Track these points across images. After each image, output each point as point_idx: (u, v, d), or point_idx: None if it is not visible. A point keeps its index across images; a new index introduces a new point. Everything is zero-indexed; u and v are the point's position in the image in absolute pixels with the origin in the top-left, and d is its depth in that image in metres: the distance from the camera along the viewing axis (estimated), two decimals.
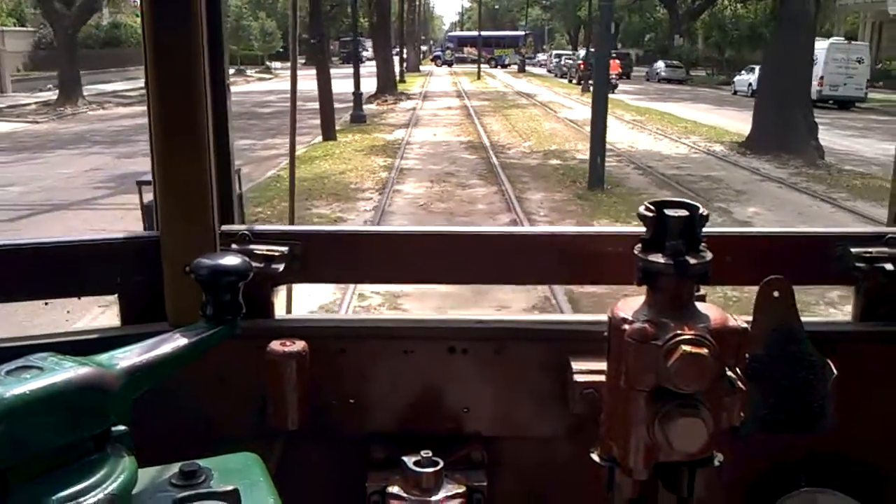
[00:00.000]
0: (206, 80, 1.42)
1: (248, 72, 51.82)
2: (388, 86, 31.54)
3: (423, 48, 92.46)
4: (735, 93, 37.76)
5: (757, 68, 37.04)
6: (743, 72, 39.16)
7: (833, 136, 19.15)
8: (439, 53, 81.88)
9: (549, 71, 60.11)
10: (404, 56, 48.41)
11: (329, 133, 18.02)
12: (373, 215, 10.57)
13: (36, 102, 28.67)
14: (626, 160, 15.73)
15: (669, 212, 1.18)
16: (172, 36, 1.41)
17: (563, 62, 55.39)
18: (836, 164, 15.45)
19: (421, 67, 65.41)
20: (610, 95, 33.64)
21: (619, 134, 19.73)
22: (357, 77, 21.67)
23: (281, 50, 58.17)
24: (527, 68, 64.25)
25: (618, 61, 38.11)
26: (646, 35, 66.14)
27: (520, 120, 23.35)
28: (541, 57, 76.95)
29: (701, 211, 1.19)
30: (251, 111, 24.93)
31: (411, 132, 20.20)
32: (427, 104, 29.79)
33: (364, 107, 22.77)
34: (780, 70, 16.59)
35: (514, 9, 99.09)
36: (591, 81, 36.71)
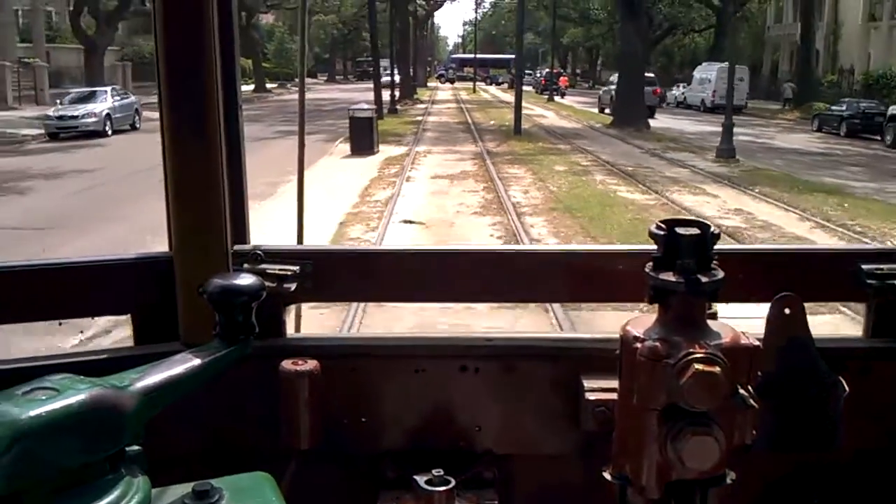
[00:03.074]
0: (218, 99, 1.48)
1: (288, 85, 66.92)
2: (407, 94, 46.72)
3: (429, 68, 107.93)
4: (668, 104, 52.55)
5: (682, 85, 52.78)
6: (673, 88, 54.38)
7: (686, 124, 33.85)
8: (443, 72, 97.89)
9: (533, 87, 75.56)
10: (409, 75, 63.55)
11: (379, 115, 32.90)
12: (413, 139, 25.32)
13: None
14: (542, 129, 30.76)
15: (681, 230, 1.20)
16: (185, 58, 1.47)
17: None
18: (655, 131, 30.04)
19: (428, 83, 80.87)
20: (561, 101, 50.97)
21: (550, 119, 34.99)
22: (393, 88, 36.93)
23: (312, 67, 73.49)
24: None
25: (565, 77, 54.06)
26: None
27: (494, 114, 38.40)
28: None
29: (712, 229, 1.22)
30: (317, 109, 39.44)
31: (427, 118, 35.32)
32: (435, 106, 45.51)
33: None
34: (625, 86, 31.67)
35: (510, 34, 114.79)
36: (547, 91, 52.81)
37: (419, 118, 34.99)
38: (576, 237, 11.48)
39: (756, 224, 12.61)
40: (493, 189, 15.55)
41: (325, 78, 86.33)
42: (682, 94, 51.91)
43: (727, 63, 47.88)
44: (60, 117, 26.27)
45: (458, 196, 14.78)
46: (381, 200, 14.05)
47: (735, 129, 31.26)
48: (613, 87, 36.75)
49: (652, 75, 37.56)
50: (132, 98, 30.82)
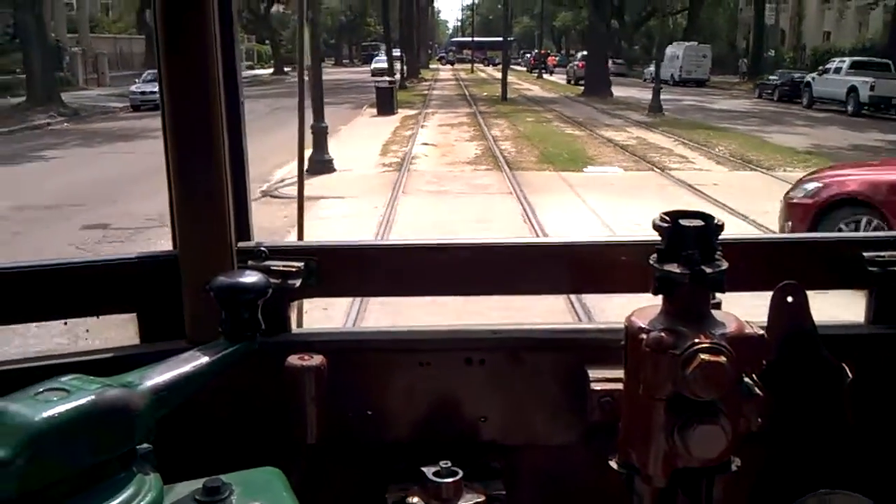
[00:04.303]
0: (220, 95, 1.49)
1: None
2: (413, 73, 54.62)
3: (430, 51, 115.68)
4: (645, 80, 60.14)
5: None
6: (650, 65, 62.14)
7: (648, 94, 41.05)
8: (443, 54, 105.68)
9: (525, 67, 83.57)
10: (414, 57, 71.37)
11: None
12: (423, 105, 33.22)
13: None
14: (525, 98, 38.85)
15: (684, 222, 1.24)
16: (186, 55, 1.48)
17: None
18: (617, 99, 37.77)
19: (430, 65, 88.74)
20: (549, 77, 60.48)
21: (535, 91, 43.23)
22: (402, 68, 44.78)
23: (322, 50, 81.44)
24: (511, 66, 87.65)
25: (553, 57, 62.24)
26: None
27: (487, 88, 46.58)
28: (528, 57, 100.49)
29: (716, 220, 1.25)
30: (336, 87, 47.01)
31: (432, 91, 43.46)
32: (437, 83, 54.06)
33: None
34: (592, 62, 39.63)
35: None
36: (536, 69, 60.97)
37: (425, 92, 43.07)
38: (524, 147, 19.50)
39: (643, 142, 20.53)
40: (480, 130, 23.54)
41: (332, 62, 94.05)
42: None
43: (694, 42, 55.92)
44: (142, 93, 33.95)
45: (456, 134, 22.75)
46: (406, 136, 21.98)
47: (684, 97, 39.07)
48: (577, 62, 44.96)
49: None
50: None
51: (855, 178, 9.27)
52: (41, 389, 0.91)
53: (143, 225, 10.98)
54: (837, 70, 33.59)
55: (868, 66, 33.26)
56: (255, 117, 22.56)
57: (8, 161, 18.23)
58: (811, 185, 9.20)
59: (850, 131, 24.59)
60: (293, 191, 13.82)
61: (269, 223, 10.14)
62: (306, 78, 16.40)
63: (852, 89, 31.34)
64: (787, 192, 9.40)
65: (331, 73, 64.74)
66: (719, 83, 53.10)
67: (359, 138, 21.09)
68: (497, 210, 12.06)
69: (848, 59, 34.48)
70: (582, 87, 44.40)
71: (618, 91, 39.57)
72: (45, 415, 0.86)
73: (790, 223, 8.91)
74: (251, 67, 72.85)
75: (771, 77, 41.86)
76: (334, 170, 15.90)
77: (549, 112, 30.61)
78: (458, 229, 10.14)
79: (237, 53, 1.56)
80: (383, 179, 15.24)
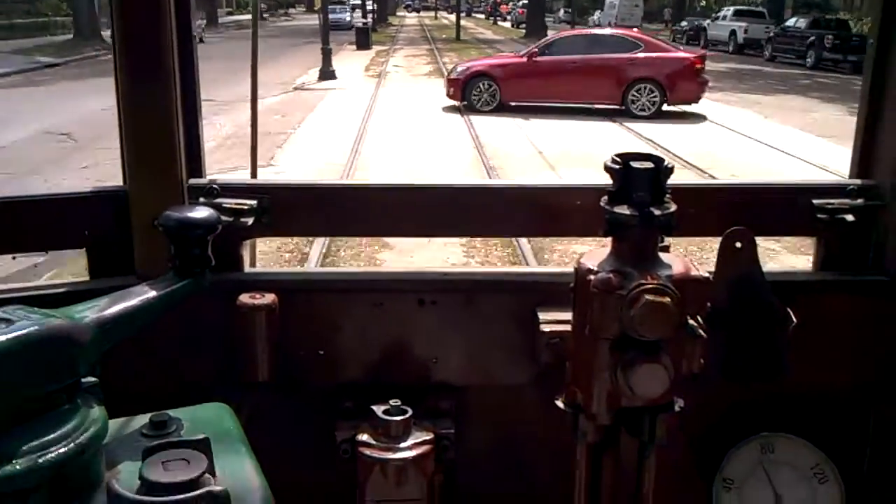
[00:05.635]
0: (172, 29, 1.49)
1: (279, 13, 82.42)
2: (382, 18, 63.28)
3: None
4: (588, 26, 68.99)
5: (598, 11, 69.36)
6: (594, 14, 71.22)
7: None
8: (410, 2, 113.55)
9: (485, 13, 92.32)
10: (382, 3, 79.62)
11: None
12: (392, 43, 42.26)
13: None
14: (476, 39, 47.98)
15: (635, 164, 1.26)
16: None
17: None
18: None
19: (397, 12, 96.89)
20: (503, 24, 71.00)
21: (486, 35, 52.35)
22: (373, 14, 53.49)
23: None
24: (473, 14, 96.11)
25: (506, 6, 71.41)
26: None
27: (446, 31, 55.39)
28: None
29: (666, 163, 1.27)
30: (315, 31, 55.52)
31: (399, 34, 52.50)
32: (404, 27, 63.14)
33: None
34: (531, 11, 48.67)
35: None
36: (491, 17, 70.26)
37: (393, 34, 52.03)
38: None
39: None
40: (435, 58, 32.82)
41: (303, 8, 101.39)
42: (597, 18, 68.38)
43: None
44: None
45: (418, 60, 32.11)
46: (381, 62, 31.17)
47: None
48: (518, 8, 54.03)
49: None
50: (198, 21, 46.98)
51: (482, 63, 19.93)
52: None
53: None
54: (724, 17, 42.91)
55: (747, 13, 42.55)
56: (261, 49, 30.89)
57: (106, 74, 26.93)
58: (460, 68, 19.53)
59: (717, 63, 33.97)
60: (315, 85, 23.03)
61: (305, 101, 19.78)
62: (315, 24, 24.51)
63: (732, 32, 40.66)
64: (448, 74, 19.49)
65: (304, 20, 72.71)
66: (650, 31, 62.24)
67: (347, 62, 30.09)
68: (439, 93, 21.31)
69: (732, 8, 43.77)
70: (518, 29, 53.25)
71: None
72: None
73: (452, 90, 18.62)
74: (231, 13, 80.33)
75: (683, 23, 51.06)
76: (336, 77, 25.03)
77: (490, 48, 39.75)
78: (415, 95, 20.25)
79: None
80: (369, 82, 24.53)
